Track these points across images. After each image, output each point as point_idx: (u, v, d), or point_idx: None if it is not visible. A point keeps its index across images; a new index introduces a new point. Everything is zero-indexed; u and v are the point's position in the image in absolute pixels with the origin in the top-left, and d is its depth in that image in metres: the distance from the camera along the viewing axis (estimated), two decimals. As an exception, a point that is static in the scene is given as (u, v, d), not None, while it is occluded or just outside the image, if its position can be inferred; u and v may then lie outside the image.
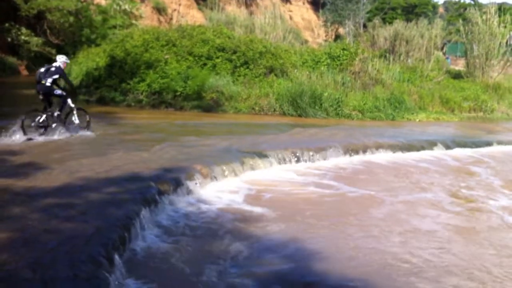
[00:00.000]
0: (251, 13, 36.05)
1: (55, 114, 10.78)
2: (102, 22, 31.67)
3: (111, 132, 11.92)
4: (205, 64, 18.85)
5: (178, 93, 17.43)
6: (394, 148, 12.38)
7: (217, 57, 19.15)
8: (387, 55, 25.37)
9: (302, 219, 7.16)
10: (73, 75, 20.51)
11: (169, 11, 46.19)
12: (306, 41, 45.35)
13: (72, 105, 11.08)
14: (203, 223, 6.75)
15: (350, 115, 17.71)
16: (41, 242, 4.94)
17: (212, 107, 17.12)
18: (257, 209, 7.42)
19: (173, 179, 7.78)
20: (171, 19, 45.19)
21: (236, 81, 18.49)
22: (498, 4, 28.33)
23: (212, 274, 5.20)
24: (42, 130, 10.47)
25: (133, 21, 33.66)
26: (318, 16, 58.22)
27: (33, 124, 10.36)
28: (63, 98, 10.90)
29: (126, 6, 33.61)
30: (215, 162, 9.08)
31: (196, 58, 18.95)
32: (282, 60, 19.99)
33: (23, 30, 28.13)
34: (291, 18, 58.14)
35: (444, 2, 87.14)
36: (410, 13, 55.53)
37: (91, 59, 21.03)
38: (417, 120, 18.40)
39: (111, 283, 4.51)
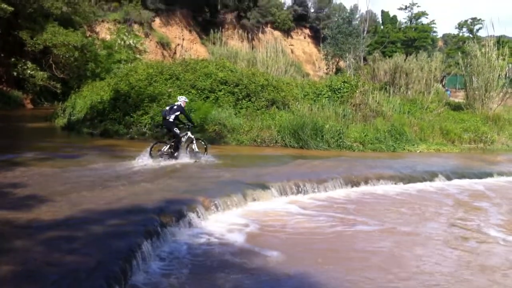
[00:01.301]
0: (253, 47, 36.53)
1: (178, 144, 12.90)
2: (107, 57, 32.20)
3: (115, 164, 12.02)
4: (207, 97, 19.09)
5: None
6: (395, 179, 12.44)
7: (220, 90, 19.40)
8: (387, 87, 25.60)
9: (303, 253, 7.19)
10: (77, 109, 20.77)
11: (173, 45, 46.93)
12: (307, 74, 45.91)
13: (192, 136, 13.25)
14: (205, 256, 6.77)
15: (352, 146, 17.82)
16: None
17: (214, 139, 17.24)
18: (259, 243, 7.45)
19: (175, 211, 7.84)
20: (174, 53, 45.88)
21: (238, 114, 18.68)
22: (497, 37, 28.72)
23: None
24: (166, 157, 12.70)
25: (137, 56, 34.21)
26: (319, 50, 58.98)
27: (158, 152, 12.69)
28: (177, 135, 12.83)
29: (131, 41, 34.21)
30: (217, 194, 9.16)
31: (199, 91, 19.22)
32: (284, 92, 20.23)
33: (29, 64, 28.57)
34: (292, 51, 58.94)
35: (443, 36, 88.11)
36: (410, 46, 56.28)
37: (96, 92, 21.31)
38: (418, 151, 18.49)
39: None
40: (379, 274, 6.41)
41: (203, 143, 13.69)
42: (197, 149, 13.18)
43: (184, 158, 12.94)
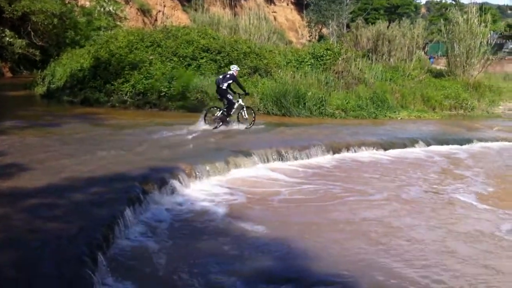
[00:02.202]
0: (235, 14, 36.09)
1: (229, 111, 13.65)
2: (87, 24, 31.61)
3: (97, 132, 11.97)
4: (189, 65, 18.93)
5: (163, 94, 17.47)
6: (376, 145, 12.55)
7: (202, 58, 19.24)
8: (370, 55, 25.57)
9: (283, 217, 7.28)
10: (57, 77, 20.47)
11: (154, 12, 46.14)
12: (290, 42, 45.55)
13: (243, 104, 13.93)
14: (187, 222, 6.83)
15: (334, 114, 17.88)
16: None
17: (197, 107, 17.13)
18: (241, 208, 7.53)
19: (158, 178, 7.85)
20: (155, 20, 45.16)
21: (220, 82, 18.57)
22: (479, 4, 28.70)
23: (196, 272, 5.28)
24: (218, 123, 13.45)
25: (118, 23, 33.62)
26: (302, 17, 58.49)
27: (213, 117, 13.56)
28: (231, 101, 13.54)
29: (111, 8, 33.56)
30: (199, 161, 9.17)
31: (181, 58, 19.02)
32: (266, 60, 20.13)
33: (7, 32, 27.93)
34: (275, 19, 58.34)
35: (426, 3, 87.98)
36: (393, 13, 56.08)
37: (75, 60, 20.99)
38: (399, 118, 18.63)
39: (95, 282, 4.58)
40: (363, 243, 6.53)
41: (252, 110, 14.43)
42: (246, 116, 14.01)
43: (235, 124, 13.94)
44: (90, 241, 5.18)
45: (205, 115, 13.73)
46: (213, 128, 13.30)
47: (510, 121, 20.10)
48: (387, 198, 8.43)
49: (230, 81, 13.48)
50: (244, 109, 14.07)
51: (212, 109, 14.29)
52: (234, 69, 13.72)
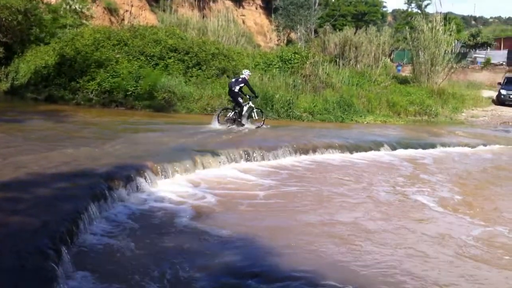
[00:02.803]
0: (203, 16, 36.00)
1: (241, 111, 14.64)
2: (52, 21, 30.92)
3: (61, 129, 11.76)
4: (157, 64, 18.82)
5: (129, 93, 17.34)
6: (342, 148, 12.67)
7: (169, 58, 19.15)
8: (337, 60, 25.90)
9: (250, 214, 7.27)
10: (21, 73, 20.12)
11: (121, 11, 45.51)
12: (259, 45, 45.62)
13: (253, 106, 15.07)
14: (152, 219, 6.75)
15: (301, 116, 18.03)
16: None
17: (163, 107, 17.08)
18: (205, 206, 7.49)
19: (123, 175, 7.75)
20: (122, 20, 44.55)
21: (188, 82, 18.53)
22: (444, 13, 29.39)
23: (161, 266, 5.23)
24: (231, 123, 14.51)
25: (84, 21, 33.04)
26: (270, 21, 58.61)
27: (225, 118, 14.65)
28: (240, 104, 14.62)
29: (77, 6, 32.93)
30: (165, 159, 9.10)
31: (148, 58, 18.91)
32: (235, 62, 20.18)
33: (-31, 27, 27.20)
34: (244, 22, 58.35)
35: (393, 11, 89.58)
36: (360, 20, 56.71)
37: (40, 57, 20.66)
38: (365, 122, 18.89)
39: (59, 274, 4.50)
40: (331, 243, 6.57)
41: (261, 112, 15.54)
42: (256, 117, 15.15)
43: (246, 125, 14.78)
44: (53, 234, 5.07)
45: (218, 116, 14.66)
46: (227, 128, 14.29)
47: (472, 127, 20.60)
48: (355, 201, 8.50)
49: (242, 84, 14.52)
50: (254, 110, 15.15)
51: (224, 110, 15.31)
52: (245, 73, 14.82)
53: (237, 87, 14.49)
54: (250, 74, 15.23)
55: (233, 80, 14.86)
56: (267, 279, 5.13)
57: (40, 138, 10.28)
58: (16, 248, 4.62)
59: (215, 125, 14.38)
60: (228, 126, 14.40)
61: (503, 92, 27.59)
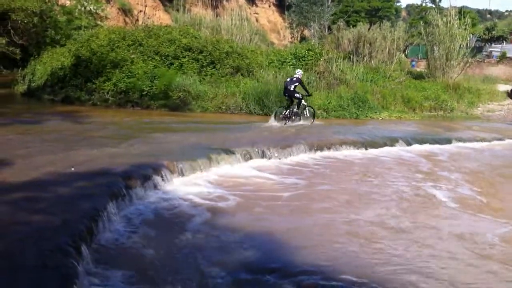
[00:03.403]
0: (217, 15, 36.07)
1: (295, 109, 15.55)
2: (67, 23, 31.30)
3: (78, 129, 11.92)
4: (171, 64, 18.89)
5: (145, 93, 17.42)
6: (357, 144, 12.66)
7: (184, 57, 19.20)
8: (351, 56, 25.77)
9: (265, 212, 7.33)
10: (38, 75, 20.32)
11: (135, 12, 45.87)
12: (272, 43, 45.69)
13: (305, 103, 15.83)
14: (170, 216, 6.85)
15: (316, 113, 17.98)
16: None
17: (179, 106, 17.17)
18: (222, 203, 7.56)
19: (140, 174, 7.85)
20: (137, 20, 44.87)
21: (203, 81, 18.57)
22: (458, 7, 29.11)
23: (178, 263, 5.32)
24: (286, 120, 15.26)
25: (99, 22, 33.38)
26: (283, 18, 58.65)
27: (281, 115, 15.43)
28: (300, 100, 15.51)
29: (91, 7, 33.27)
30: (182, 158, 9.18)
31: (163, 57, 18.98)
32: (249, 60, 20.17)
33: (-14, 30, 27.56)
34: (257, 20, 58.44)
35: (407, 6, 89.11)
36: (374, 16, 56.41)
37: (56, 59, 20.82)
38: (380, 118, 18.80)
39: (79, 272, 4.60)
40: (344, 240, 6.61)
41: (312, 110, 16.23)
42: (308, 114, 15.88)
43: (300, 121, 15.58)
44: (73, 232, 5.19)
45: (275, 114, 15.54)
46: (283, 125, 15.02)
47: (488, 122, 20.43)
48: (372, 197, 8.53)
49: (297, 83, 15.29)
50: (307, 108, 15.93)
51: (280, 108, 15.93)
52: (299, 73, 15.57)
53: (292, 86, 15.24)
54: (302, 73, 15.90)
55: (288, 79, 15.60)
56: (284, 275, 5.19)
57: (57, 139, 10.42)
58: (38, 247, 4.74)
59: (273, 122, 15.19)
60: (284, 124, 15.08)
61: None
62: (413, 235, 6.66)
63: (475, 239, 6.65)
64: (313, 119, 15.99)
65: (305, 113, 15.88)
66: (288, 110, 15.55)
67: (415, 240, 6.44)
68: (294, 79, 15.38)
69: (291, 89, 15.28)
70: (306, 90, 15.80)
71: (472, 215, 7.71)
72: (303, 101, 15.66)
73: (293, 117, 15.51)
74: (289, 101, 15.76)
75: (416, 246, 6.25)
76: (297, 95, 15.42)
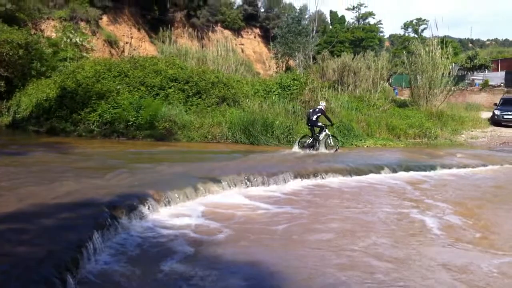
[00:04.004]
0: (203, 46, 36.40)
1: (319, 138, 16.40)
2: (53, 55, 31.36)
3: (63, 160, 11.86)
4: (157, 94, 19.02)
5: (130, 123, 17.49)
6: (343, 172, 12.71)
7: (170, 87, 19.36)
8: (336, 85, 26.11)
9: (253, 240, 7.29)
10: (23, 107, 20.32)
11: (121, 44, 46.17)
12: (258, 73, 46.12)
13: (328, 133, 16.61)
14: (156, 247, 6.79)
15: (302, 142, 18.11)
16: None
17: (165, 136, 17.22)
18: (208, 232, 7.52)
19: (126, 204, 7.81)
20: (123, 51, 45.11)
21: (188, 111, 18.71)
22: (440, 37, 29.74)
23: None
24: (310, 148, 16.25)
25: (84, 54, 33.48)
26: (269, 49, 59.34)
27: (305, 144, 16.40)
28: (322, 129, 16.46)
29: (77, 39, 33.42)
30: (168, 187, 9.16)
31: (149, 88, 19.12)
32: (234, 90, 20.37)
33: (-29, 62, 27.49)
34: (242, 51, 59.12)
35: (390, 36, 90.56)
36: (357, 46, 57.42)
37: (41, 90, 20.89)
38: (365, 146, 18.98)
39: (65, 303, 4.55)
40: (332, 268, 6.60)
41: (336, 139, 17.14)
42: (332, 143, 16.61)
43: (322, 150, 16.37)
44: (59, 263, 5.13)
45: (299, 142, 16.53)
46: (306, 152, 15.99)
47: (472, 149, 20.65)
48: (360, 226, 8.54)
49: (319, 114, 16.25)
50: (330, 137, 16.65)
51: (303, 137, 16.78)
52: (322, 105, 16.73)
53: (315, 116, 16.19)
54: (325, 105, 17.18)
55: (311, 110, 16.58)
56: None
57: (43, 170, 10.36)
58: (23, 278, 4.68)
59: (296, 149, 16.23)
60: (307, 151, 16.03)
61: (497, 112, 27.80)
62: (409, 266, 6.57)
63: (471, 270, 6.50)
64: (337, 148, 16.74)
65: (328, 142, 16.62)
66: (311, 139, 16.42)
67: (411, 271, 6.35)
68: (317, 110, 16.38)
69: (313, 119, 16.20)
70: (329, 120, 16.71)
71: (463, 246, 7.53)
72: (326, 131, 16.51)
73: (316, 146, 16.33)
74: (311, 130, 16.60)
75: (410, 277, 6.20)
76: (319, 123, 16.36)
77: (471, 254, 7.12)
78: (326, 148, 16.51)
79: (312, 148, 16.24)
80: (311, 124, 16.39)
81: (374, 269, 6.34)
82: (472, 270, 6.46)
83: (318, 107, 16.52)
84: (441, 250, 7.28)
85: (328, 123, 16.68)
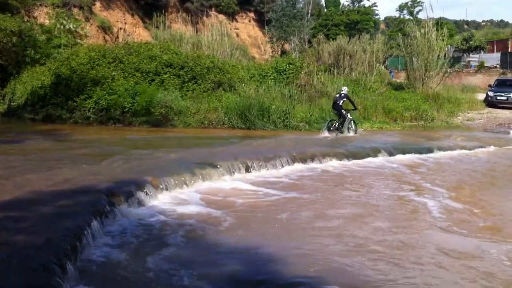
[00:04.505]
0: (197, 31, 36.19)
1: (345, 121, 17.04)
2: (46, 42, 31.09)
3: (60, 147, 11.83)
4: (153, 80, 18.92)
5: (126, 109, 17.41)
6: (340, 156, 12.68)
7: (165, 73, 19.26)
8: (332, 69, 26.05)
9: (251, 225, 7.31)
10: (18, 94, 20.22)
11: (115, 29, 45.77)
12: (253, 58, 45.90)
13: (351, 118, 17.31)
14: (155, 232, 6.79)
15: (298, 126, 18.11)
16: None
17: (161, 122, 17.17)
18: (207, 218, 7.53)
19: (124, 191, 7.81)
20: (117, 37, 44.75)
21: (184, 96, 18.64)
22: (436, 19, 29.63)
23: (165, 279, 5.28)
24: (336, 132, 17.00)
25: (78, 40, 33.21)
26: (264, 33, 58.98)
27: (331, 128, 17.12)
28: (346, 114, 17.06)
29: (71, 26, 33.11)
30: (166, 173, 9.15)
31: (144, 74, 19.01)
32: (230, 74, 20.29)
33: (-36, 50, 27.27)
34: (237, 35, 58.71)
35: (385, 18, 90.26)
36: (353, 29, 57.08)
37: (36, 78, 20.75)
38: (362, 129, 18.95)
39: (65, 289, 4.55)
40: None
41: (355, 122, 17.81)
42: (353, 127, 17.36)
43: (346, 133, 17.04)
44: (58, 250, 5.13)
45: (327, 126, 17.23)
46: (335, 136, 16.79)
47: (468, 131, 20.66)
48: (362, 210, 8.57)
49: (345, 99, 17.01)
50: (352, 121, 17.39)
51: (331, 121, 17.49)
52: (345, 90, 17.51)
53: (341, 101, 16.93)
54: (348, 89, 18.02)
55: (337, 95, 17.35)
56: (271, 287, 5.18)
57: (39, 158, 10.33)
58: (21, 266, 4.67)
59: (325, 133, 16.92)
60: (336, 134, 16.76)
61: (490, 94, 27.75)
62: (414, 252, 6.56)
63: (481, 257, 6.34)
64: (356, 131, 17.48)
65: (351, 125, 17.25)
66: (337, 124, 17.14)
67: (416, 257, 6.32)
68: (342, 95, 17.10)
69: (340, 103, 16.92)
70: (353, 104, 17.42)
71: (469, 232, 7.35)
72: (349, 116, 17.12)
73: (341, 129, 16.96)
74: (338, 115, 17.33)
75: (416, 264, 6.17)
76: (343, 111, 16.96)
77: (477, 242, 6.88)
78: (349, 131, 17.19)
79: (337, 131, 16.98)
80: (337, 108, 17.10)
81: (380, 254, 6.31)
82: (482, 257, 6.29)
83: (342, 92, 17.23)
84: (445, 236, 7.19)
85: (352, 107, 17.32)
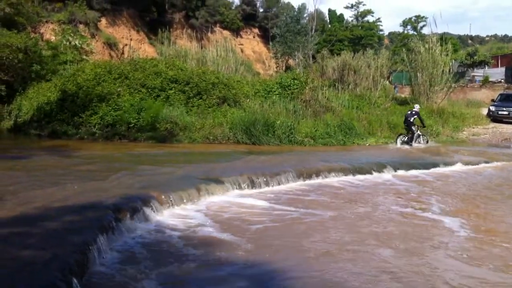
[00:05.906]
0: (202, 47, 36.34)
1: (413, 136, 19.10)
2: (52, 58, 31.32)
3: (66, 163, 11.85)
4: (158, 96, 19.00)
5: (132, 125, 17.47)
6: (345, 171, 12.69)
7: (170, 89, 19.34)
8: (336, 84, 26.09)
9: (257, 240, 7.28)
10: (24, 110, 20.30)
11: (120, 46, 46.20)
12: (258, 73, 46.12)
13: (419, 132, 19.59)
14: (160, 248, 6.79)
15: (303, 141, 18.13)
16: None
17: (166, 138, 17.21)
18: (213, 233, 7.52)
19: (130, 206, 7.81)
20: (122, 53, 45.15)
21: (189, 112, 18.69)
22: (440, 34, 29.72)
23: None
24: (406, 144, 19.04)
25: (84, 57, 33.44)
26: (268, 49, 59.42)
27: (401, 140, 19.32)
28: (416, 129, 19.31)
29: (76, 42, 33.34)
30: (171, 189, 9.16)
31: (149, 90, 19.10)
32: (235, 90, 20.35)
33: (-29, 67, 27.47)
34: (242, 51, 59.14)
35: (389, 34, 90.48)
36: (357, 44, 57.38)
37: (42, 94, 20.84)
38: (367, 144, 18.98)
39: (71, 306, 4.54)
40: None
41: (426, 137, 19.95)
42: (422, 141, 19.53)
43: (415, 145, 18.95)
44: (64, 266, 5.13)
45: (397, 139, 19.44)
46: (409, 147, 18.62)
47: (474, 146, 20.62)
48: (366, 224, 8.54)
49: (415, 116, 19.11)
50: (421, 136, 19.60)
51: (401, 135, 19.54)
52: (417, 107, 19.65)
53: (412, 118, 18.98)
54: (419, 107, 20.12)
55: (409, 112, 19.41)
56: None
57: (46, 174, 10.35)
58: (28, 282, 4.67)
59: (398, 145, 19.01)
60: (410, 146, 18.66)
61: (492, 108, 27.69)
62: (425, 259, 6.58)
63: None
64: (427, 143, 19.51)
65: (420, 140, 19.42)
66: (407, 137, 19.17)
67: (431, 266, 6.34)
68: (413, 112, 19.18)
69: (411, 120, 18.99)
70: (422, 122, 19.61)
71: (481, 242, 7.46)
72: (418, 131, 19.35)
73: (411, 142, 18.87)
74: (407, 129, 19.36)
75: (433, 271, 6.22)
76: (413, 128, 19.03)
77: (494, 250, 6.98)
78: (417, 144, 19.10)
79: (407, 144, 18.90)
80: (408, 124, 19.15)
81: (375, 270, 6.34)
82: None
83: (414, 110, 19.30)
84: (460, 246, 7.25)
85: (420, 123, 19.38)
